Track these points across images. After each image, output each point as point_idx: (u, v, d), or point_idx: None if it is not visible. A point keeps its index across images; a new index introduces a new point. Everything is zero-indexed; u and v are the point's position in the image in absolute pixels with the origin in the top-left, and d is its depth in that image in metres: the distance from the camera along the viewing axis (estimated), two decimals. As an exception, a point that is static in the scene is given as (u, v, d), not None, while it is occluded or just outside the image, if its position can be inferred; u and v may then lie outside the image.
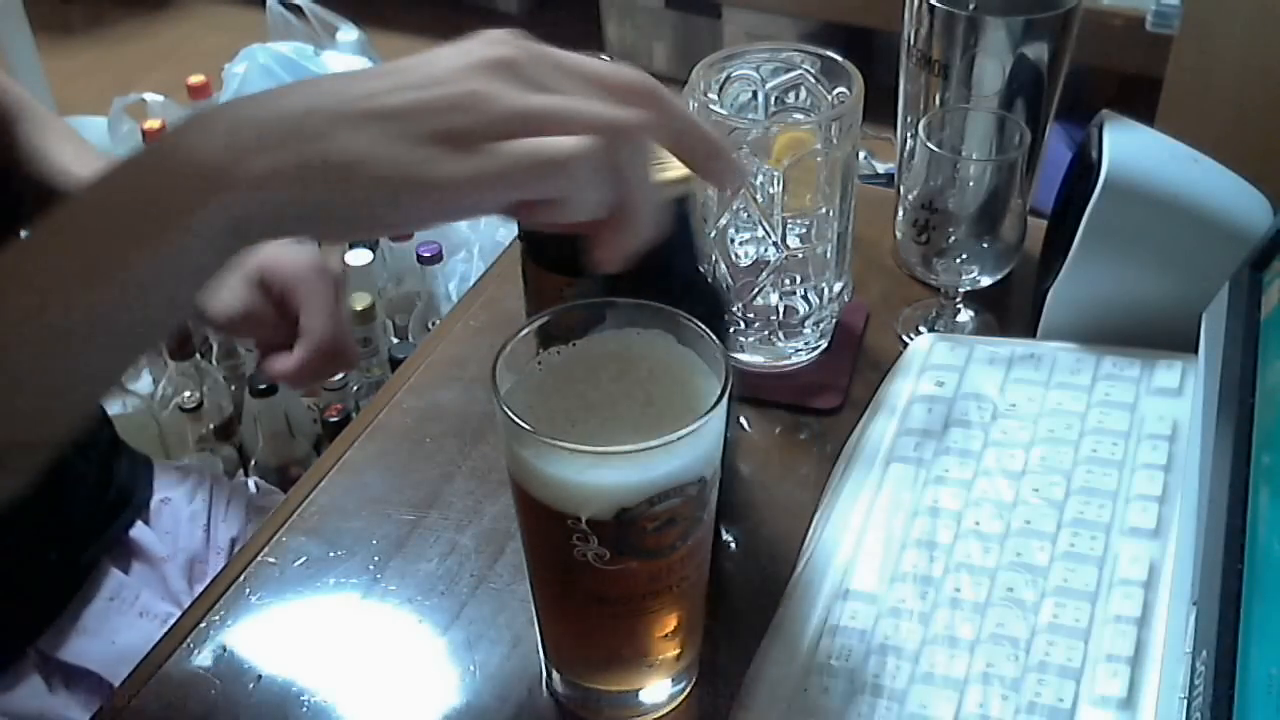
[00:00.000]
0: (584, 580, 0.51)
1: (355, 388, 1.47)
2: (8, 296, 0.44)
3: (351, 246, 1.60)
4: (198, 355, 1.45)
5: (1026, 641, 0.57)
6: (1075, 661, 0.56)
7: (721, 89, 0.70)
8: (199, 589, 0.83)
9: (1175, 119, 1.52)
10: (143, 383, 1.54)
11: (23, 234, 0.47)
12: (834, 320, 0.76)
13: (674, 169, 0.52)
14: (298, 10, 2.06)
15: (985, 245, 0.74)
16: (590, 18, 2.47)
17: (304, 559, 0.66)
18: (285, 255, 0.68)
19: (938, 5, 0.75)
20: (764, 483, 0.70)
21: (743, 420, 0.73)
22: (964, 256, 0.74)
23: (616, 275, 0.49)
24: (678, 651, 0.56)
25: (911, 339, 0.77)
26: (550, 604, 0.56)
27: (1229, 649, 0.48)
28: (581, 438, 0.49)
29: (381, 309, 1.56)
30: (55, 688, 0.75)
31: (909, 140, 0.80)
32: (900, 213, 0.76)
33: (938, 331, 0.77)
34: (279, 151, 0.43)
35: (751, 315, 0.73)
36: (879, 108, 0.78)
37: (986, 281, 0.75)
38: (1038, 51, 0.75)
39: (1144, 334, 0.72)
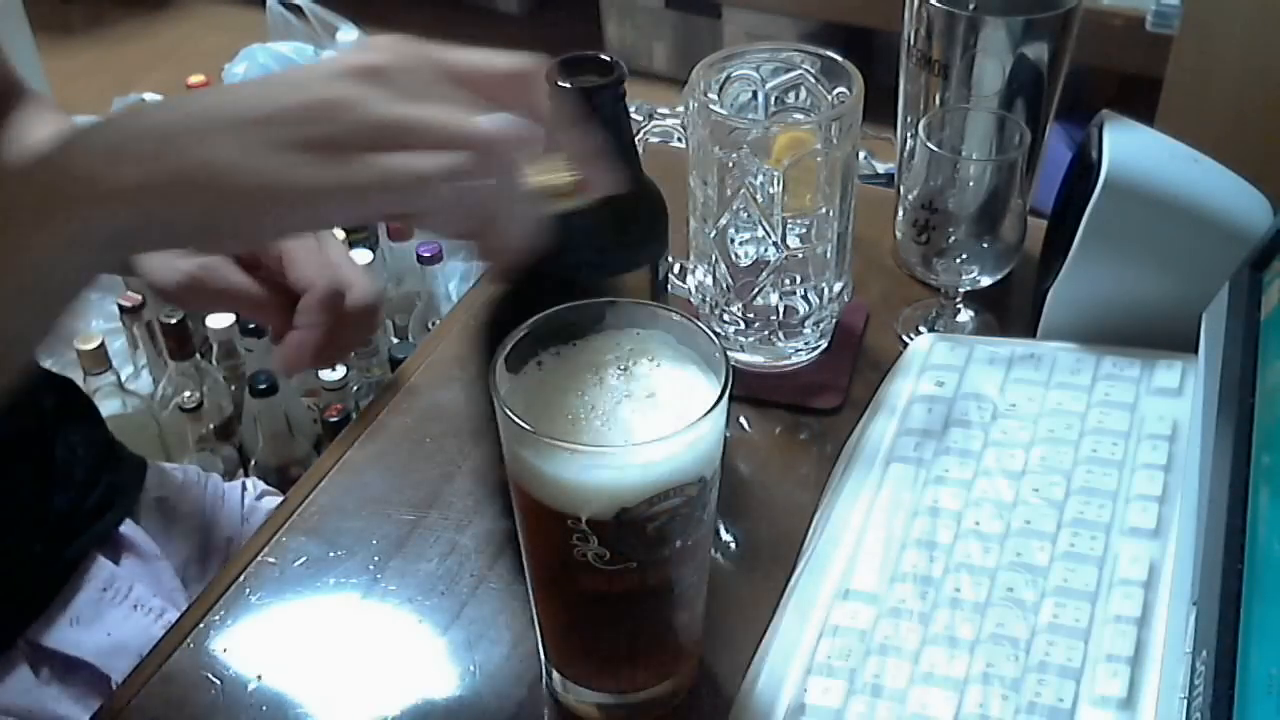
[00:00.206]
0: (584, 580, 0.51)
1: (355, 388, 1.47)
2: None
3: (352, 246, 1.60)
4: (198, 355, 1.45)
5: (1026, 641, 0.57)
6: (1075, 661, 0.56)
7: (721, 89, 0.70)
8: (195, 588, 0.83)
9: (1175, 119, 1.52)
10: (143, 383, 1.55)
11: None
12: (834, 320, 0.76)
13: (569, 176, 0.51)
14: (298, 10, 2.06)
15: (985, 245, 0.74)
16: (590, 18, 2.47)
17: (304, 559, 0.66)
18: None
19: (938, 5, 0.75)
20: (764, 483, 0.70)
21: (743, 420, 0.73)
22: (964, 256, 0.74)
23: (520, 288, 0.49)
24: (678, 652, 0.56)
25: (911, 339, 0.77)
26: (550, 604, 0.56)
27: (1229, 649, 0.48)
28: (581, 438, 0.49)
29: (381, 309, 1.56)
30: (46, 680, 0.75)
31: (909, 140, 0.80)
32: (900, 213, 0.76)
33: (938, 331, 0.77)
34: (151, 164, 0.43)
35: (751, 315, 0.73)
36: (879, 108, 0.78)
37: (986, 281, 0.75)
38: (1038, 51, 0.75)
39: (1144, 334, 0.72)
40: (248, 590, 0.64)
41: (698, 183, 0.71)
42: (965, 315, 0.79)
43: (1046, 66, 0.76)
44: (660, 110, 0.73)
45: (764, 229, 0.70)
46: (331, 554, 0.66)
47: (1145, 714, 0.54)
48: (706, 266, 0.73)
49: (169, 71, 2.16)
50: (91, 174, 0.43)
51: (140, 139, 0.44)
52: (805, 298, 0.74)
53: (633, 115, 0.64)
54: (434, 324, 1.55)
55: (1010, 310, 0.80)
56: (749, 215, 0.70)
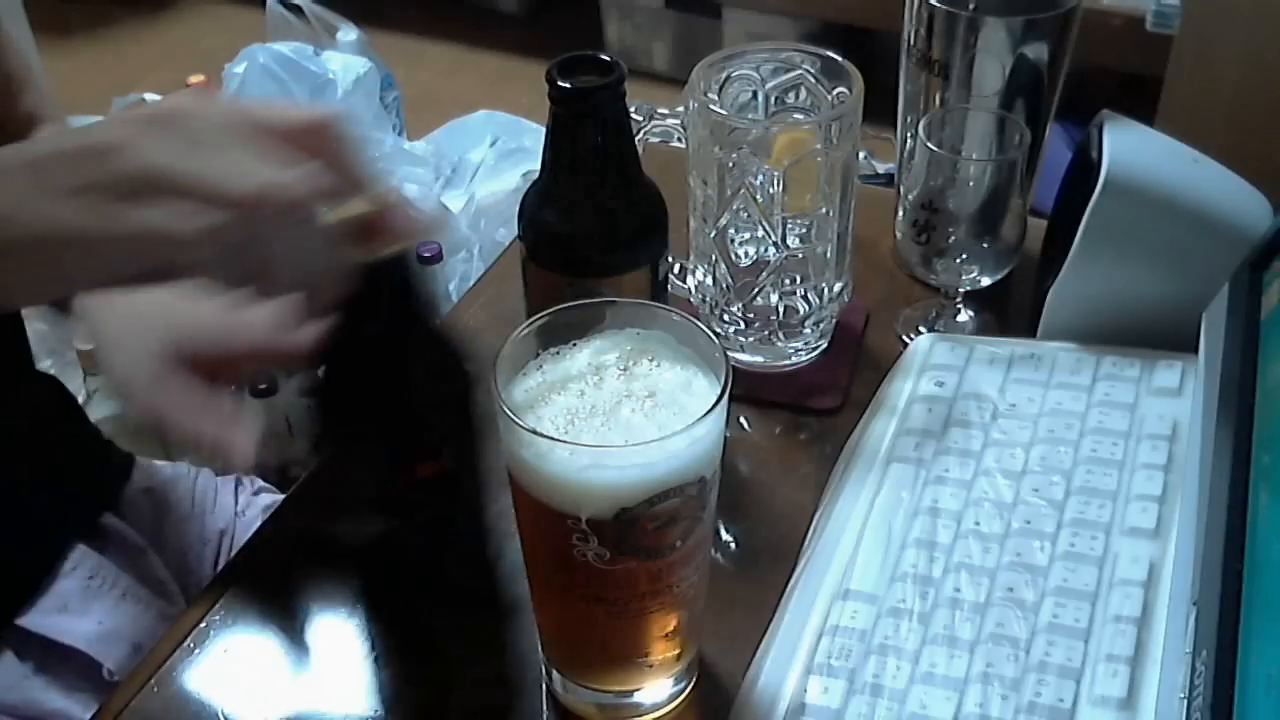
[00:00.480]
0: (584, 580, 0.51)
1: (355, 388, 1.47)
2: None
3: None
4: (197, 355, 1.45)
5: (1026, 641, 0.57)
6: (1075, 661, 0.56)
7: (721, 89, 0.70)
8: (188, 579, 0.83)
9: (1175, 119, 1.52)
10: (143, 383, 1.54)
11: None
12: (834, 320, 0.76)
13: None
14: (298, 10, 2.06)
15: (985, 245, 0.74)
16: (590, 18, 2.47)
17: (304, 558, 0.66)
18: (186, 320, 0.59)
19: (938, 5, 0.75)
20: (764, 483, 0.70)
21: (743, 420, 0.73)
22: (964, 256, 0.74)
23: (335, 356, 0.48)
24: (678, 651, 0.56)
25: (911, 339, 0.77)
26: (550, 604, 0.56)
27: (1229, 649, 0.48)
28: (581, 438, 0.49)
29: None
30: (35, 670, 0.74)
31: (909, 140, 0.80)
32: (900, 213, 0.76)
33: (938, 331, 0.77)
34: None
35: (751, 315, 0.73)
36: (879, 108, 0.78)
37: (986, 281, 0.75)
38: (1038, 51, 0.75)
39: (1144, 334, 0.72)
40: (247, 590, 0.64)
41: (698, 183, 0.71)
42: (965, 315, 0.79)
43: (1046, 66, 0.76)
44: (660, 110, 0.73)
45: (764, 229, 0.70)
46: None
47: (1145, 714, 0.54)
48: (706, 266, 0.73)
49: (169, 71, 2.16)
50: None
51: None
52: (805, 298, 0.74)
53: (633, 115, 0.64)
54: (434, 324, 1.54)
55: (1010, 310, 0.80)
56: (749, 215, 0.70)
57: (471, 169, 1.89)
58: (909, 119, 0.81)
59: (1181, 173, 0.73)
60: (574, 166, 0.64)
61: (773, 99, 0.71)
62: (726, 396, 0.48)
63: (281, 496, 0.89)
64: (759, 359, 0.75)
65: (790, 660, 0.58)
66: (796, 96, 0.71)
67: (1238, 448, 0.56)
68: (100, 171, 0.42)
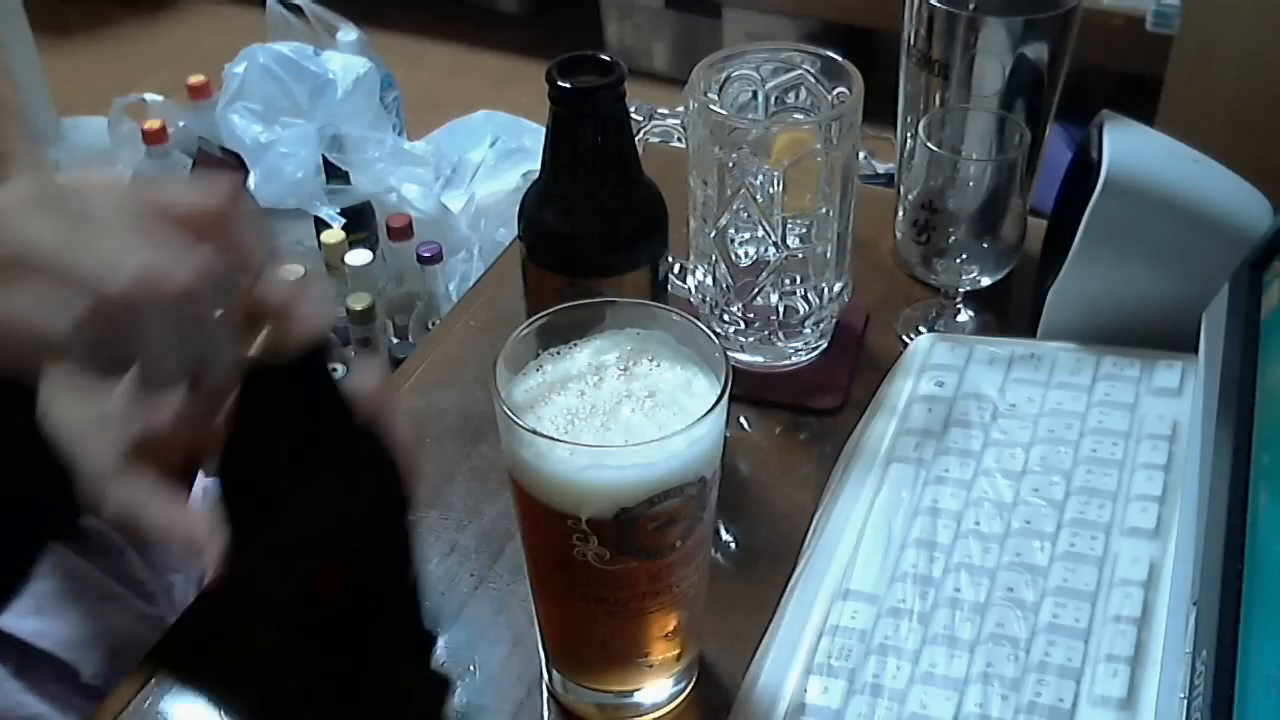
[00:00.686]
0: (584, 580, 0.51)
1: (355, 388, 1.46)
2: None
3: (352, 246, 1.60)
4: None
5: (1026, 641, 0.57)
6: (1075, 661, 0.56)
7: (721, 89, 0.70)
8: (172, 577, 0.82)
9: (1175, 119, 1.52)
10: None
11: None
12: (834, 320, 0.76)
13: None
14: (298, 10, 2.05)
15: (985, 245, 0.74)
16: (590, 18, 2.47)
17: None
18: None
19: (938, 5, 0.75)
20: (764, 483, 0.70)
21: (743, 420, 0.73)
22: (964, 256, 0.74)
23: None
24: (678, 651, 0.56)
25: (911, 339, 0.77)
26: (550, 604, 0.56)
27: (1229, 649, 0.48)
28: (581, 438, 0.49)
29: (381, 309, 1.56)
30: (14, 674, 0.74)
31: (909, 140, 0.80)
32: (900, 213, 0.76)
33: (938, 331, 0.77)
34: None
35: (751, 315, 0.73)
36: (879, 108, 0.78)
37: (986, 281, 0.75)
38: (1038, 51, 0.75)
39: (1144, 334, 0.72)
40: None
41: (698, 183, 0.71)
42: (965, 315, 0.79)
43: (1046, 66, 0.76)
44: (660, 110, 0.73)
45: (764, 229, 0.70)
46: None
47: (1145, 714, 0.54)
48: (706, 266, 0.73)
49: (169, 71, 2.16)
50: None
51: None
52: (805, 298, 0.74)
53: (633, 115, 0.64)
54: (434, 324, 1.55)
55: (1010, 310, 0.80)
56: (749, 215, 0.70)
57: (471, 169, 1.89)
58: (909, 119, 0.81)
59: (1181, 173, 0.73)
60: (574, 166, 0.64)
61: (773, 99, 0.71)
62: (726, 396, 0.48)
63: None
64: (759, 359, 0.75)
65: (790, 660, 0.58)
66: (796, 96, 0.71)
67: (1238, 448, 0.56)
68: None
